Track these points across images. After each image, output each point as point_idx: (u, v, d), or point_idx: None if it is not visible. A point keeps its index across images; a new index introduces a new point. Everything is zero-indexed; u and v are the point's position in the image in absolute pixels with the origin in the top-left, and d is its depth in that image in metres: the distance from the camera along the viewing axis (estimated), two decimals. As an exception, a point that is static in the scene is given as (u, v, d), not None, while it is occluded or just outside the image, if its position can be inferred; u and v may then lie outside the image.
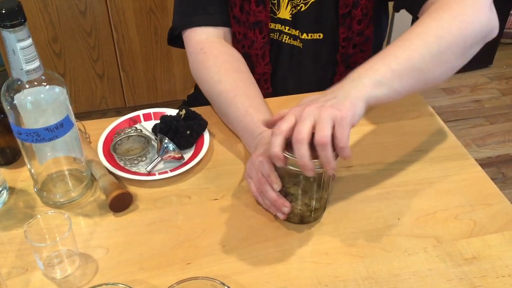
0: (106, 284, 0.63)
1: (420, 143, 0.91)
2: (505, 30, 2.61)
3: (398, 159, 0.88)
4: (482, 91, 2.47)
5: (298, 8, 0.98)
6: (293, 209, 0.74)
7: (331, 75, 1.05)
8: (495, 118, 2.29)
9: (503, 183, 1.96)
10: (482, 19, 0.77)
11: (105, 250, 0.73)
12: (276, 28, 1.01)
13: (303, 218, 0.76)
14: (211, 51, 0.96)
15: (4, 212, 0.79)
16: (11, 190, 0.82)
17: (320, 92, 0.73)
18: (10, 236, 0.75)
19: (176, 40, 1.05)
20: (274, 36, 1.02)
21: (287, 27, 1.00)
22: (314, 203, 0.74)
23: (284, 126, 0.67)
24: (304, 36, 1.00)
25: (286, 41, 1.02)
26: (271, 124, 0.71)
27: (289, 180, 0.72)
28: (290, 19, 0.99)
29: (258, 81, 1.01)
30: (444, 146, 0.90)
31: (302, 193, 0.73)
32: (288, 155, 0.67)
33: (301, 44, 1.01)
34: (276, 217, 0.76)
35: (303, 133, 0.64)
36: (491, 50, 2.58)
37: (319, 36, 1.00)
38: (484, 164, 2.03)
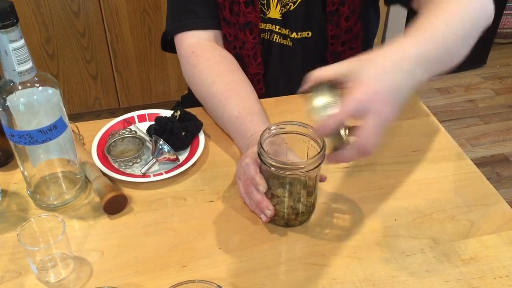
0: (101, 288, 0.62)
1: (416, 143, 0.91)
2: (498, 30, 2.62)
3: (394, 159, 0.87)
4: (476, 91, 2.47)
5: (288, 7, 0.97)
6: (278, 212, 0.74)
7: None
8: (489, 118, 2.30)
9: (497, 182, 1.97)
10: (489, 10, 0.79)
11: (99, 253, 0.72)
12: (267, 28, 1.01)
13: (288, 221, 0.75)
14: (203, 54, 0.95)
15: (-4, 215, 0.78)
16: (4, 193, 0.81)
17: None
18: (3, 240, 0.74)
19: (170, 45, 1.04)
20: (264, 36, 1.02)
21: (277, 27, 1.00)
22: (300, 206, 0.74)
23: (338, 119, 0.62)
24: (294, 35, 1.00)
25: (277, 41, 1.02)
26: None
27: (275, 182, 0.72)
28: (280, 18, 0.99)
29: (251, 81, 1.01)
30: (440, 146, 0.90)
31: (288, 195, 0.73)
32: (274, 159, 0.68)
33: (291, 43, 1.01)
34: (272, 219, 0.75)
35: (370, 148, 0.62)
36: (485, 50, 2.58)
37: (308, 34, 1.00)
38: (479, 163, 2.03)
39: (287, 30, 1.00)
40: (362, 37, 1.00)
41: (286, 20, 0.99)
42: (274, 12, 0.99)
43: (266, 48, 1.02)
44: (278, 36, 1.01)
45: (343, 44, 0.99)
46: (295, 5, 0.97)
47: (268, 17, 0.99)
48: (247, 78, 0.95)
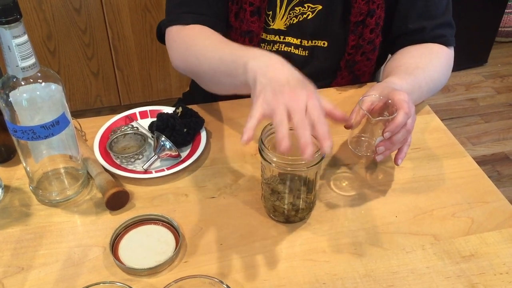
0: (104, 283, 0.62)
1: (417, 141, 0.91)
2: (499, 29, 2.61)
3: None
4: (477, 89, 2.47)
5: (305, 16, 0.98)
6: (278, 208, 0.75)
7: (331, 81, 1.05)
8: (490, 117, 2.30)
9: (498, 181, 1.97)
10: (443, 83, 1.00)
11: (101, 248, 0.72)
12: (268, 38, 1.00)
13: (288, 218, 0.75)
14: (193, 27, 0.93)
15: (-1, 210, 0.78)
16: (6, 189, 0.81)
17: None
18: (5, 235, 0.74)
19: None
20: (264, 46, 1.01)
21: (282, 37, 1.00)
22: (300, 203, 0.74)
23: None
24: (304, 43, 1.00)
25: (282, 49, 1.01)
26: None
27: (276, 178, 0.73)
28: (285, 29, 0.99)
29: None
30: (441, 144, 0.90)
31: (289, 191, 0.73)
32: (275, 154, 0.68)
33: (306, 52, 1.01)
34: (273, 215, 0.76)
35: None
36: (486, 49, 2.58)
37: (324, 44, 1.01)
38: (479, 162, 2.01)
39: (299, 40, 1.00)
40: (378, 50, 1.01)
41: (296, 29, 0.99)
42: (279, 23, 0.99)
43: None
44: (283, 45, 1.01)
45: (362, 54, 1.00)
46: (314, 14, 0.97)
47: (272, 28, 1.00)
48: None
